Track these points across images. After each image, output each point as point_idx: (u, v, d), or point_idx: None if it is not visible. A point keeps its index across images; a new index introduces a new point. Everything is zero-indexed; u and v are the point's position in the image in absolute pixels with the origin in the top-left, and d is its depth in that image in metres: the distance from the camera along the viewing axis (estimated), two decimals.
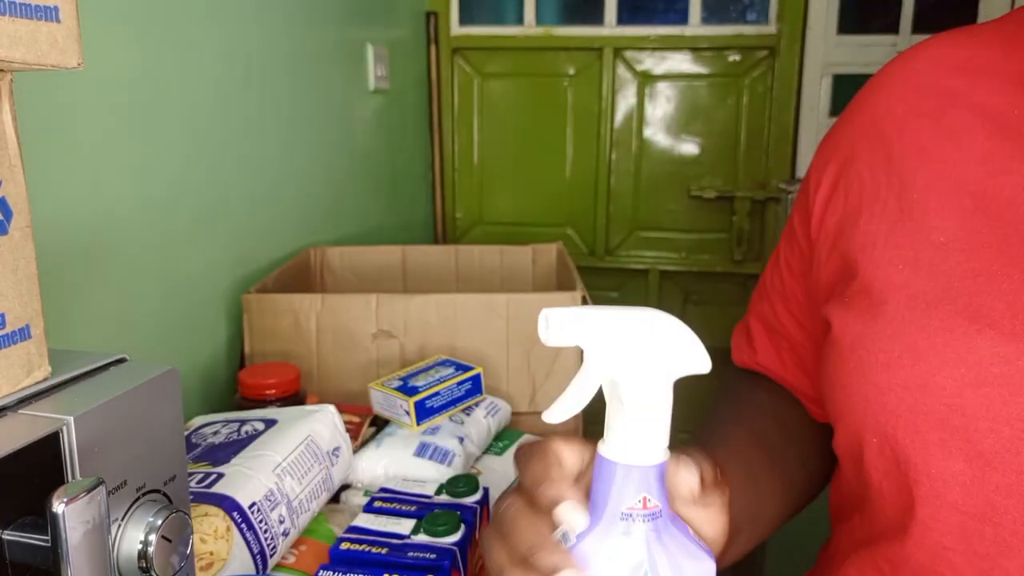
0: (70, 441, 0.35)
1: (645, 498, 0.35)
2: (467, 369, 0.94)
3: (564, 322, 0.34)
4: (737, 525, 0.43)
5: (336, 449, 0.79)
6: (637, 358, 0.34)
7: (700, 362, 0.35)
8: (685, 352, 0.35)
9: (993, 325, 0.39)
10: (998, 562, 0.38)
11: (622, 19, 2.07)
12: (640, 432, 0.35)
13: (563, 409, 0.35)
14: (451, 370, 0.94)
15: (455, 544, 0.66)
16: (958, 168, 0.43)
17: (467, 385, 0.94)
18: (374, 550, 0.66)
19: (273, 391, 0.91)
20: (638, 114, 2.10)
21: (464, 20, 2.12)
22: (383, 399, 0.91)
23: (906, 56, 0.50)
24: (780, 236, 0.62)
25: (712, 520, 0.38)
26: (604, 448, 0.36)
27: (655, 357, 0.34)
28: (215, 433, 0.77)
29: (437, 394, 0.91)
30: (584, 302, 1.05)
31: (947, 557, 0.40)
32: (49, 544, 0.32)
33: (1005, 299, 0.39)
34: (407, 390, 0.89)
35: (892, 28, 1.95)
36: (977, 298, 0.40)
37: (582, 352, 0.35)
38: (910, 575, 0.43)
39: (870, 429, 0.43)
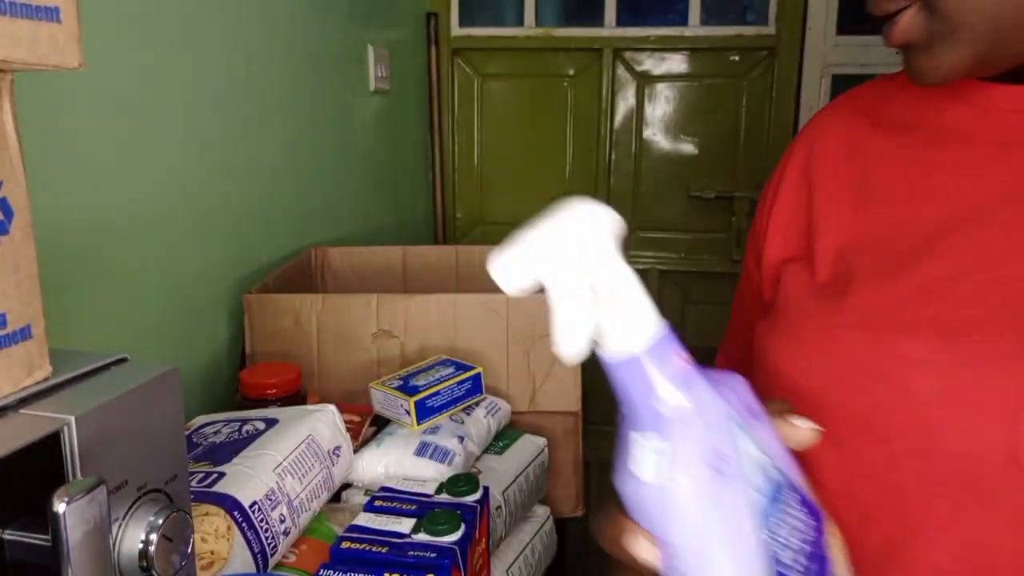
0: (71, 441, 0.35)
1: (678, 355, 0.34)
2: (467, 369, 0.94)
3: (510, 269, 0.33)
4: None
5: (337, 448, 0.79)
6: (589, 256, 0.33)
7: (618, 225, 0.33)
8: (612, 224, 0.33)
9: (862, 325, 0.44)
10: (863, 528, 0.42)
11: (622, 20, 2.07)
12: (637, 310, 0.33)
13: (573, 339, 0.33)
14: (451, 370, 0.94)
15: (455, 543, 0.66)
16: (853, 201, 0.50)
17: (467, 385, 0.94)
18: (375, 549, 0.66)
19: (274, 391, 0.91)
20: (638, 114, 2.10)
21: (464, 21, 2.12)
22: (383, 399, 0.91)
23: (822, 113, 0.56)
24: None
25: None
26: (621, 346, 0.33)
27: (598, 246, 0.33)
28: (216, 433, 0.77)
29: (437, 394, 0.91)
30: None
31: None
32: (50, 544, 0.32)
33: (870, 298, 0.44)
34: (407, 390, 0.89)
35: None
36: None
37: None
38: None
39: None
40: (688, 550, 0.34)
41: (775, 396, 0.42)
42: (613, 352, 0.34)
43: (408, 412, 0.88)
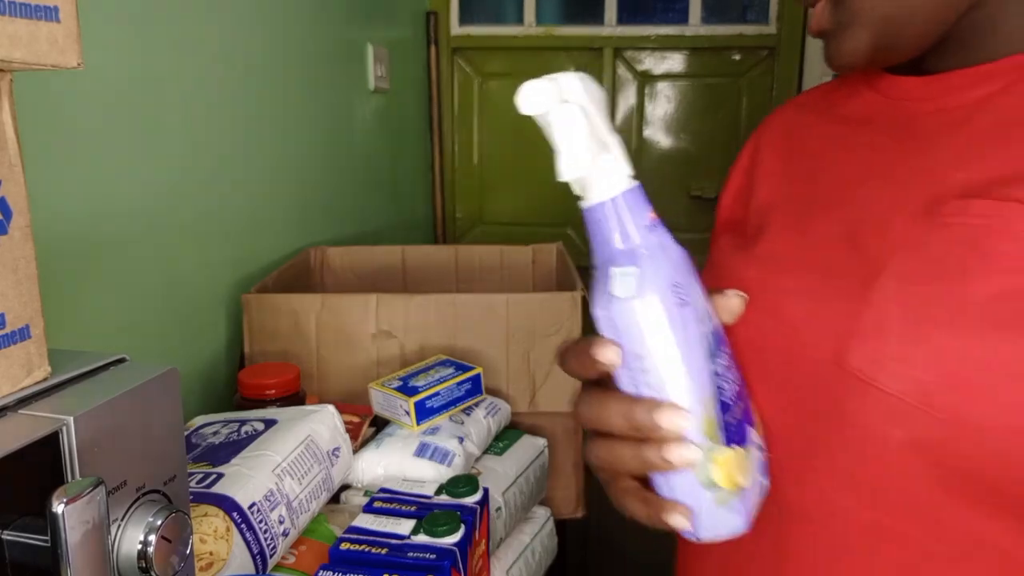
0: (70, 441, 0.35)
1: (652, 213, 0.45)
2: (467, 369, 0.94)
3: (530, 96, 0.44)
4: None
5: (336, 449, 0.79)
6: (591, 107, 0.44)
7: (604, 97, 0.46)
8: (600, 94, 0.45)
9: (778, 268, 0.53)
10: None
11: (622, 19, 2.07)
12: (614, 164, 0.43)
13: (573, 163, 0.42)
14: (451, 370, 0.94)
15: (455, 544, 0.66)
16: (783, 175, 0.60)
17: (467, 385, 0.94)
18: (374, 550, 0.66)
19: (273, 391, 0.91)
20: (638, 114, 2.10)
21: (464, 20, 2.12)
22: (383, 399, 0.91)
23: (776, 109, 0.67)
24: None
25: None
26: (603, 193, 0.43)
27: (597, 104, 0.45)
28: (215, 433, 0.77)
29: (437, 394, 0.91)
30: (584, 302, 1.05)
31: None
32: (49, 544, 0.32)
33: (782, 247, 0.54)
34: (407, 390, 0.89)
35: None
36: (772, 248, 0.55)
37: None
38: None
39: None
40: (651, 361, 0.40)
41: None
42: (595, 199, 0.42)
43: (408, 413, 0.88)
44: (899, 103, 0.53)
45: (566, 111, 0.43)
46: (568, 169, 0.42)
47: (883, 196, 0.50)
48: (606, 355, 0.41)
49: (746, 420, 0.46)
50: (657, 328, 0.40)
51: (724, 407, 0.43)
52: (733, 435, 0.43)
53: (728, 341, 0.45)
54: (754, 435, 0.46)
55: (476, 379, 0.95)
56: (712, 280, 0.51)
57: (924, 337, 0.43)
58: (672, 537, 0.52)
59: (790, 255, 0.53)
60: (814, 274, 0.50)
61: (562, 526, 1.02)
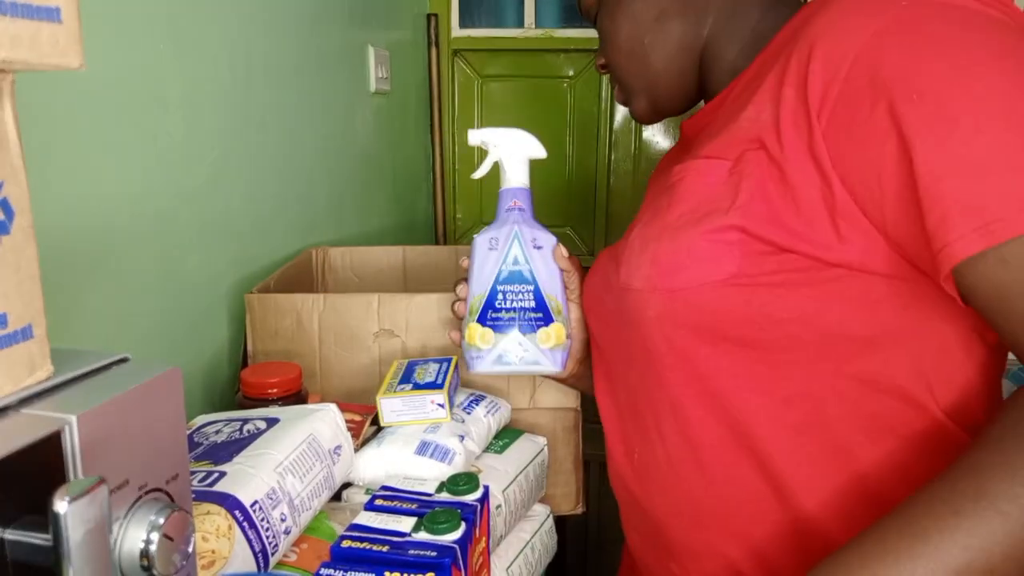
0: (72, 440, 0.35)
1: (515, 201, 0.87)
2: (443, 360, 0.96)
3: (481, 135, 0.88)
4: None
5: (337, 448, 0.79)
6: (512, 145, 0.88)
7: (538, 152, 0.89)
8: (533, 146, 0.89)
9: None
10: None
11: None
12: (513, 173, 0.88)
13: (482, 172, 0.89)
14: (436, 364, 0.95)
15: (456, 542, 0.67)
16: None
17: (452, 369, 0.94)
18: (375, 548, 0.66)
19: (275, 390, 0.91)
20: None
21: (464, 22, 2.12)
22: (401, 404, 0.89)
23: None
24: None
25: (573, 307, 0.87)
26: (501, 187, 0.89)
27: (519, 143, 0.88)
28: (217, 432, 0.77)
29: (453, 383, 0.93)
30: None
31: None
32: (51, 543, 0.32)
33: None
34: (428, 386, 0.89)
35: None
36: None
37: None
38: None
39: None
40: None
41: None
42: (504, 186, 0.88)
43: (443, 405, 0.88)
44: (683, 132, 0.80)
45: (491, 149, 0.89)
46: (477, 174, 0.89)
47: (657, 188, 0.76)
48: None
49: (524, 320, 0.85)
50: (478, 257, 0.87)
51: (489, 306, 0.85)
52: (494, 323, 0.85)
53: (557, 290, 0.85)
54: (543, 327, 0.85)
55: (456, 365, 0.97)
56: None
57: (645, 250, 0.67)
58: None
59: (623, 238, 0.77)
60: (620, 243, 0.75)
61: (562, 525, 1.02)
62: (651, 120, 0.81)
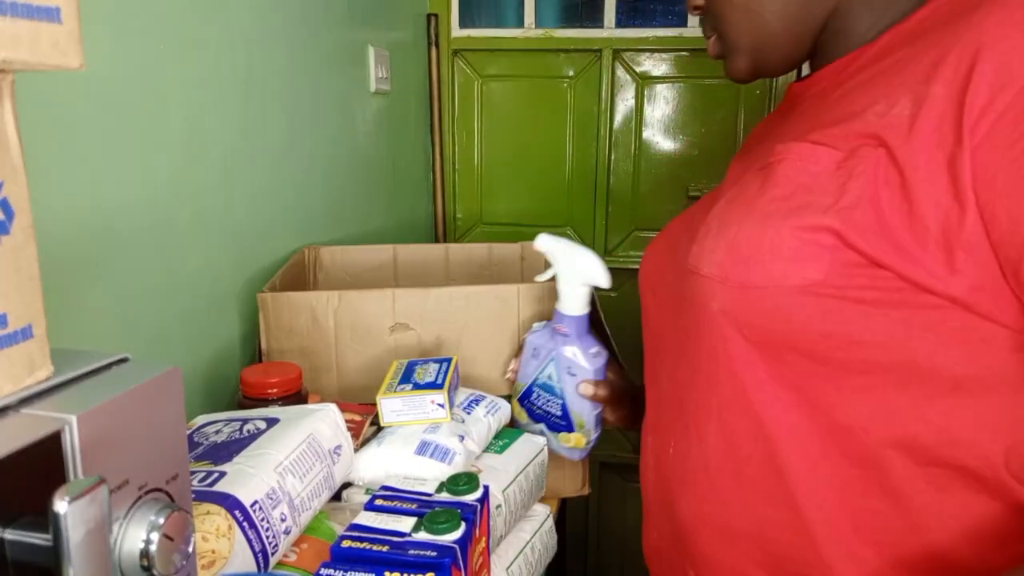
0: (72, 440, 0.35)
1: (561, 327, 0.93)
2: (443, 361, 0.97)
3: (547, 246, 0.91)
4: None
5: (337, 447, 0.79)
6: (572, 268, 0.90)
7: (601, 280, 0.91)
8: (596, 274, 0.91)
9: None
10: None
11: (621, 21, 2.07)
12: (567, 297, 0.92)
13: (542, 278, 0.94)
14: (436, 364, 0.95)
15: (456, 542, 0.67)
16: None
17: (452, 369, 0.94)
18: (375, 548, 0.66)
19: (275, 390, 0.91)
20: (637, 115, 2.10)
21: (464, 22, 2.12)
22: (401, 404, 0.90)
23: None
24: None
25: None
26: (556, 305, 0.93)
27: (579, 268, 0.90)
28: (217, 432, 0.77)
29: (453, 383, 0.93)
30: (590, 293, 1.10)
31: None
32: (51, 543, 0.32)
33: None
34: (427, 386, 0.89)
35: None
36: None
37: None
38: None
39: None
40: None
41: None
42: (557, 306, 0.93)
43: (443, 405, 0.89)
44: (786, 102, 0.73)
45: (556, 262, 0.93)
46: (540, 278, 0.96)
47: (749, 159, 0.68)
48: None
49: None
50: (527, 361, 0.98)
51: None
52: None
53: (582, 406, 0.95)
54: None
55: (456, 364, 0.97)
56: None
57: (723, 233, 0.60)
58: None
59: (693, 211, 0.74)
60: (694, 216, 0.70)
61: (562, 525, 1.02)
62: (746, 80, 0.71)
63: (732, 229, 0.59)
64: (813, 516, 0.59)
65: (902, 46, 0.57)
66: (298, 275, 1.28)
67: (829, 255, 0.54)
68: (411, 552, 0.65)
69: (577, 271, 0.90)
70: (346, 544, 0.67)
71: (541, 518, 0.95)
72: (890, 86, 0.55)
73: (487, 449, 0.94)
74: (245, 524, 0.64)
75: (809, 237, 0.55)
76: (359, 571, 0.64)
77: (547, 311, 1.08)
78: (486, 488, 0.76)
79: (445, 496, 0.75)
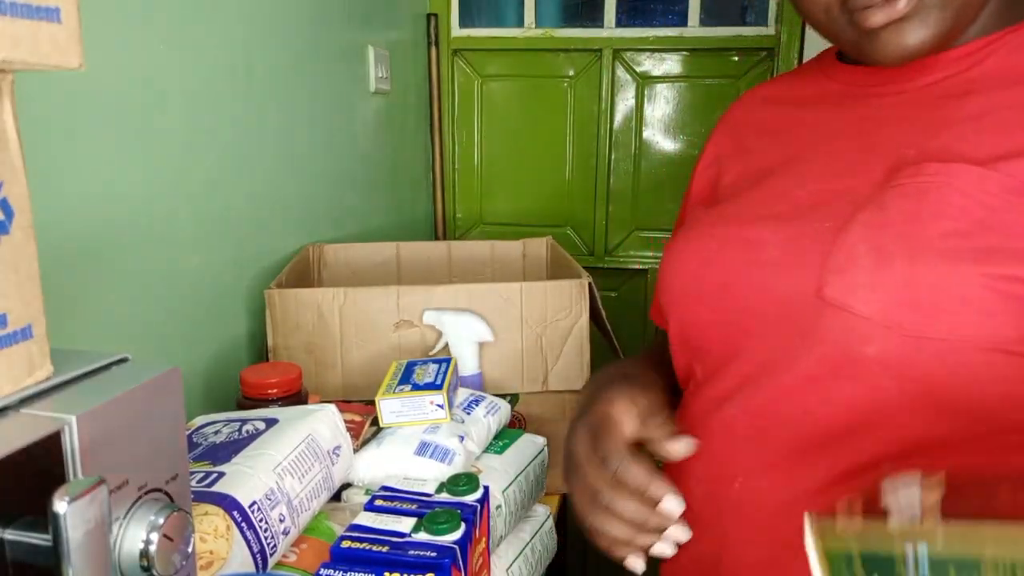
0: (72, 440, 0.35)
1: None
2: (442, 361, 0.97)
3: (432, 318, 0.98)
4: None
5: (337, 448, 0.79)
6: (457, 333, 1.01)
7: (485, 336, 1.02)
8: (480, 331, 1.03)
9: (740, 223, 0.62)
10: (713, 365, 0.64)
11: (621, 21, 2.07)
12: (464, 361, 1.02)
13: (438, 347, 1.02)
14: (435, 365, 0.95)
15: (456, 542, 0.67)
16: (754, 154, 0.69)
17: (451, 370, 0.95)
18: (375, 548, 0.66)
19: (275, 390, 0.91)
20: (637, 115, 2.10)
21: (464, 22, 2.12)
22: (400, 405, 0.90)
23: (741, 98, 0.76)
24: None
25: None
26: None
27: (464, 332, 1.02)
28: (216, 432, 0.77)
29: (452, 384, 0.93)
30: (591, 289, 1.12)
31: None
32: (50, 543, 0.32)
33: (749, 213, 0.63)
34: (427, 387, 0.89)
35: None
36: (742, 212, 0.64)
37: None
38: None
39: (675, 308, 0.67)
40: None
41: (662, 285, 0.68)
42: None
43: (442, 405, 0.89)
44: (850, 87, 0.62)
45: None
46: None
47: (841, 159, 0.59)
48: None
49: None
50: None
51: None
52: None
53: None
54: None
55: (455, 365, 0.98)
56: (682, 237, 0.66)
57: (888, 268, 0.51)
58: None
59: (751, 211, 0.62)
60: (784, 224, 0.58)
61: (562, 525, 1.02)
62: (912, 59, 0.56)
63: (899, 265, 0.50)
64: None
65: None
66: (303, 272, 1.29)
67: (1022, 306, 0.48)
68: (411, 552, 0.65)
69: (462, 335, 0.99)
70: (346, 544, 0.66)
71: (541, 518, 0.95)
72: None
73: (487, 449, 0.94)
74: (243, 525, 0.64)
75: (1003, 288, 0.48)
76: (359, 571, 0.64)
77: (550, 309, 1.10)
78: (486, 488, 0.76)
79: (445, 496, 0.75)
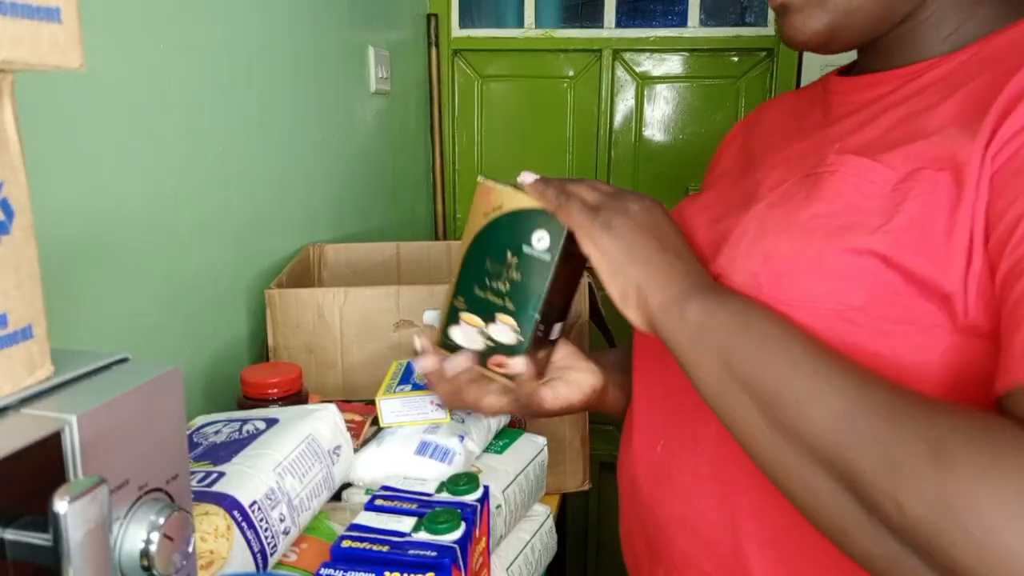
0: (72, 440, 0.35)
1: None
2: None
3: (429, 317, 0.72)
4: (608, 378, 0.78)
5: (337, 448, 0.79)
6: None
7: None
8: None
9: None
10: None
11: (621, 21, 2.07)
12: None
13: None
14: None
15: (456, 542, 0.67)
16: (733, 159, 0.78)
17: None
18: (375, 548, 0.66)
19: (275, 390, 0.91)
20: (637, 115, 2.10)
21: (464, 22, 2.12)
22: (401, 404, 0.90)
23: (752, 114, 0.81)
24: None
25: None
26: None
27: None
28: (216, 432, 0.77)
29: None
30: (590, 288, 1.11)
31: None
32: (51, 543, 0.32)
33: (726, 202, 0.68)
34: (427, 387, 0.89)
35: None
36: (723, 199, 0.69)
37: None
38: None
39: None
40: None
41: None
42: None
43: (442, 405, 0.88)
44: (829, 95, 0.66)
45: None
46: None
47: (790, 156, 0.64)
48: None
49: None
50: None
51: None
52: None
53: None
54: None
55: None
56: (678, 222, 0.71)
57: (760, 244, 0.57)
58: None
59: (715, 200, 0.69)
60: (720, 210, 0.66)
61: (562, 525, 1.02)
62: (807, 46, 0.62)
63: (770, 239, 0.57)
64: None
65: (982, 70, 0.54)
66: (303, 272, 1.29)
67: (870, 280, 0.52)
68: (411, 552, 0.65)
69: None
70: (346, 544, 0.67)
71: (541, 518, 0.95)
72: (964, 111, 0.52)
73: (487, 449, 0.94)
74: (244, 524, 0.64)
75: (851, 260, 0.52)
76: (359, 571, 0.64)
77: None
78: (486, 488, 0.76)
79: (445, 496, 0.75)
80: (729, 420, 0.53)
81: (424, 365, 0.74)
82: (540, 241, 0.62)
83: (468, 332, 0.66)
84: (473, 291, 0.64)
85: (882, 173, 0.53)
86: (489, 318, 0.65)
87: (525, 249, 0.63)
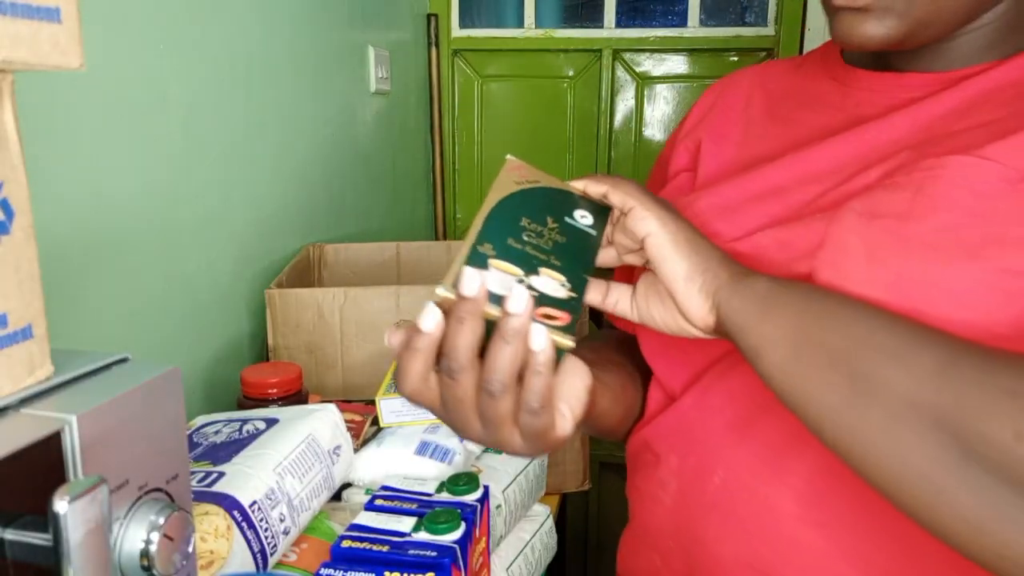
0: (72, 440, 0.35)
1: None
2: None
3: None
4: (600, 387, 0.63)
5: (337, 448, 0.79)
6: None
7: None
8: None
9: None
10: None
11: (621, 21, 2.07)
12: None
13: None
14: None
15: (456, 542, 0.67)
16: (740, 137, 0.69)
17: None
18: (375, 548, 0.66)
19: (275, 390, 0.91)
20: (637, 115, 2.10)
21: (464, 22, 2.12)
22: (401, 404, 0.90)
23: (732, 75, 0.75)
24: None
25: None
26: None
27: None
28: (216, 432, 0.77)
29: None
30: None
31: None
32: (51, 543, 0.32)
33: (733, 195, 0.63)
34: None
35: None
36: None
37: None
38: None
39: None
40: None
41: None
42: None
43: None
44: (852, 90, 0.62)
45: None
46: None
47: (834, 156, 0.59)
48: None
49: None
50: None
51: None
52: None
53: None
54: None
55: None
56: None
57: (881, 265, 0.51)
58: None
59: (743, 197, 0.62)
60: (777, 210, 0.60)
61: (562, 525, 1.02)
62: (866, 48, 0.57)
63: (893, 262, 0.51)
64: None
65: None
66: (303, 272, 1.29)
67: (1019, 303, 0.47)
68: (411, 552, 0.65)
69: None
70: (346, 544, 0.67)
71: (541, 518, 0.95)
72: None
73: (487, 449, 0.94)
74: (244, 524, 0.64)
75: (994, 282, 0.47)
76: (359, 571, 0.64)
77: None
78: (486, 488, 0.76)
79: (445, 496, 0.75)
80: (800, 392, 0.48)
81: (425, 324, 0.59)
82: (583, 217, 0.56)
83: (502, 279, 0.55)
84: (505, 241, 0.56)
85: (999, 172, 0.49)
86: (530, 270, 0.56)
87: (567, 220, 0.56)
